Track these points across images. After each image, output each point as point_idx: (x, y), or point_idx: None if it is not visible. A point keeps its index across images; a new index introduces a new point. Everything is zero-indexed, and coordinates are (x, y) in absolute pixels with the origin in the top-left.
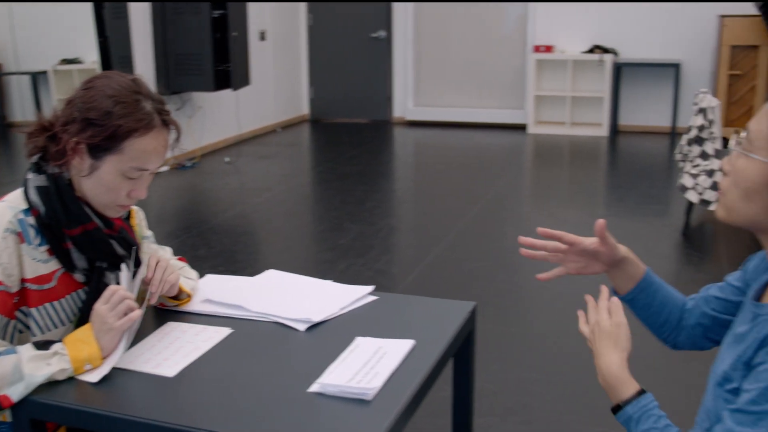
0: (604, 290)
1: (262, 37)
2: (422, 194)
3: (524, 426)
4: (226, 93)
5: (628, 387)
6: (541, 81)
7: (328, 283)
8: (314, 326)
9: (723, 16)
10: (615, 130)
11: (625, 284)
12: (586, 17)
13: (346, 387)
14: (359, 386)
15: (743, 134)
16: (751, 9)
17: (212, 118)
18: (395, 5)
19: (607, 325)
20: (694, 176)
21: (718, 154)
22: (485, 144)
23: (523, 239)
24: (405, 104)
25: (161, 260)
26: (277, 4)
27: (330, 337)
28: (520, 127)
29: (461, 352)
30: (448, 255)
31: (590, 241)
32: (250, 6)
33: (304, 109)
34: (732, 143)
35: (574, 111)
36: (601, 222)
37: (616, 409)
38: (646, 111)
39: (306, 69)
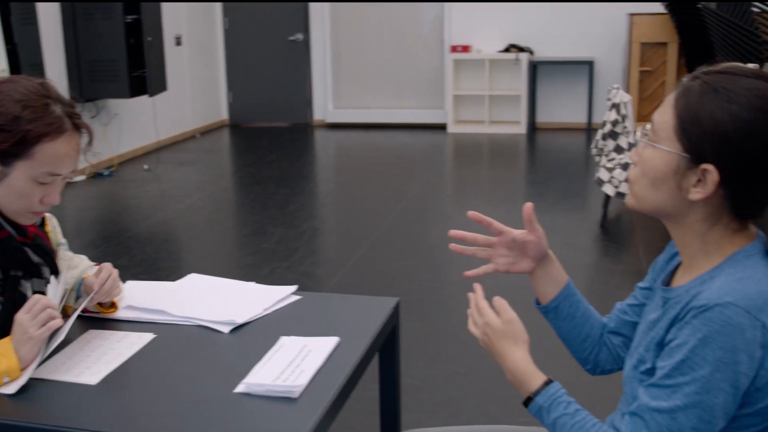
0: (478, 289)
1: (178, 42)
2: (345, 196)
3: (452, 420)
4: (143, 99)
5: (536, 379)
6: (459, 81)
7: (251, 285)
8: (238, 328)
9: (633, 15)
10: (533, 128)
11: (549, 289)
12: (501, 17)
13: (272, 386)
14: (285, 384)
15: (649, 126)
16: (659, 7)
17: (129, 125)
18: (312, 8)
19: (499, 324)
20: (610, 170)
21: (632, 148)
22: (406, 144)
23: (453, 232)
24: (325, 107)
25: (114, 270)
26: (192, 9)
27: (254, 337)
28: (440, 127)
29: (386, 348)
30: (372, 255)
31: (519, 232)
32: (165, 11)
33: (223, 114)
34: (639, 135)
35: (492, 110)
36: (529, 205)
37: (528, 402)
38: (562, 108)
39: (224, 73)
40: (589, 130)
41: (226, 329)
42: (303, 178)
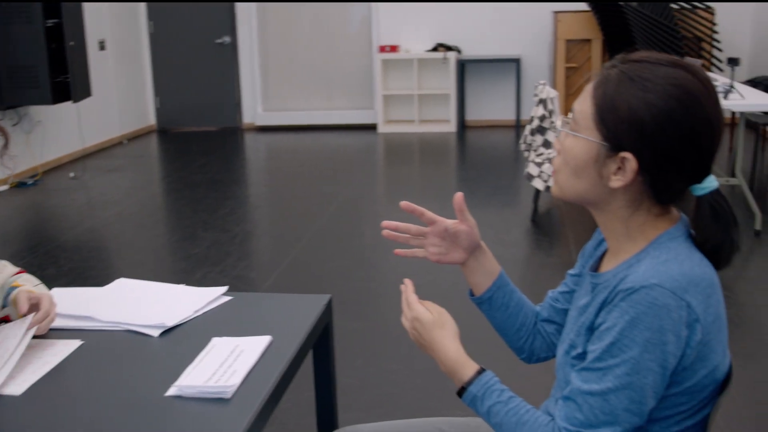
0: (409, 283)
1: (102, 46)
2: (276, 198)
3: (389, 416)
4: (67, 106)
5: (468, 368)
6: (388, 80)
7: (181, 287)
8: (168, 331)
9: (557, 12)
10: (463, 126)
11: (483, 280)
12: (428, 16)
13: (204, 387)
14: (217, 385)
15: (570, 115)
16: (583, 5)
17: (53, 132)
18: (238, 10)
19: (428, 317)
20: (539, 164)
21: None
22: (337, 145)
23: (386, 223)
24: (254, 110)
25: (53, 308)
26: (116, 13)
27: (185, 340)
28: (371, 127)
29: (320, 346)
30: (306, 257)
31: (451, 222)
32: (87, 15)
33: (151, 119)
34: (559, 124)
35: (422, 109)
36: (459, 194)
37: (461, 392)
38: (491, 105)
39: (150, 78)
40: (518, 126)
41: (155, 333)
42: (233, 181)
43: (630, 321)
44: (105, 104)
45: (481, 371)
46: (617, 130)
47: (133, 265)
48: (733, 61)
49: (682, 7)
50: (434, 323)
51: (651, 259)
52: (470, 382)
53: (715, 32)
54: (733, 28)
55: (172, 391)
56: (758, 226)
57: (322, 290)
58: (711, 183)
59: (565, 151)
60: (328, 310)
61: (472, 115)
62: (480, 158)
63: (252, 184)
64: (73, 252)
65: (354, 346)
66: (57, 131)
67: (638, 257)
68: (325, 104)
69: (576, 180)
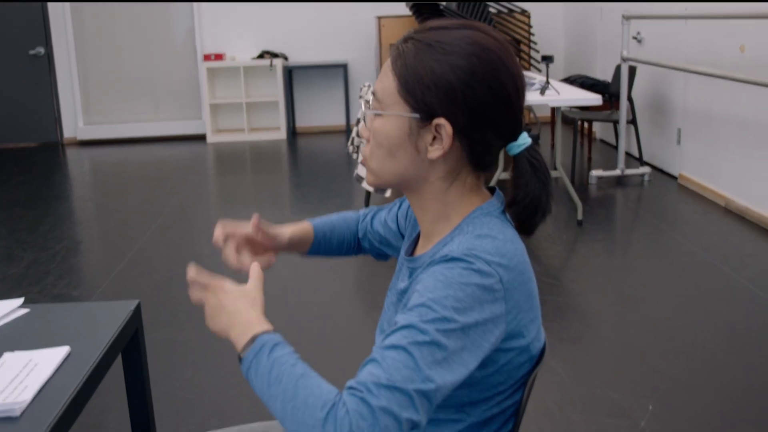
0: (192, 268)
1: None
2: (101, 213)
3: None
4: None
5: (267, 325)
6: (215, 89)
7: None
8: None
9: (380, 18)
10: (293, 133)
11: (302, 249)
12: (253, 24)
13: None
14: (4, 403)
15: (371, 98)
16: (404, 9)
17: None
18: (52, 18)
19: (235, 288)
20: None
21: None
22: (165, 157)
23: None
24: (75, 123)
25: None
26: None
27: None
28: (200, 138)
29: (130, 353)
30: (133, 270)
31: (245, 231)
32: None
33: None
34: (363, 109)
35: (251, 117)
36: (254, 217)
37: (250, 342)
38: (321, 111)
39: None
40: (348, 131)
41: None
42: (54, 198)
43: (443, 282)
44: None
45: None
46: (425, 97)
47: None
48: (547, 59)
49: (500, 11)
50: (244, 292)
51: (464, 234)
52: (266, 332)
53: (532, 34)
54: (547, 30)
55: None
56: (580, 216)
57: (149, 302)
58: (526, 139)
59: (376, 133)
60: (136, 316)
61: (303, 122)
62: (312, 163)
63: (75, 199)
64: None
65: (187, 358)
66: None
67: (452, 235)
68: (150, 115)
69: (392, 161)
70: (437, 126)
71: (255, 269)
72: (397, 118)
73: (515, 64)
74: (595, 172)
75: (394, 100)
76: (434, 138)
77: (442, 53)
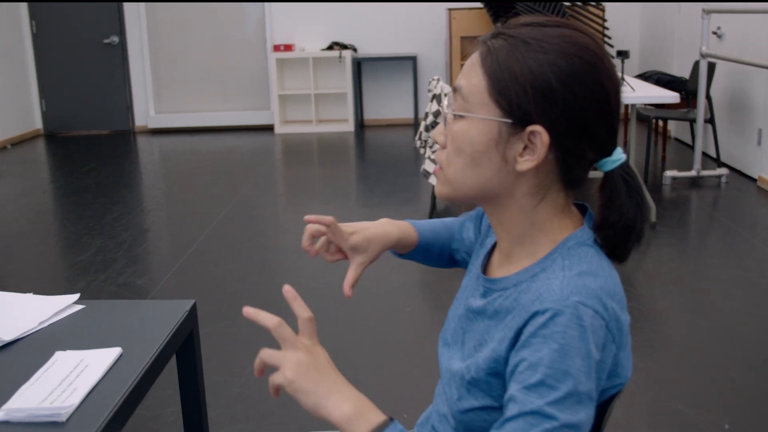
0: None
1: None
2: (169, 202)
3: (283, 426)
4: None
5: (375, 415)
6: (283, 80)
7: (28, 296)
8: (6, 346)
9: (451, 10)
10: (361, 125)
11: (402, 250)
12: (323, 15)
13: (35, 410)
14: (51, 407)
15: (452, 96)
16: (476, 2)
17: None
18: (126, 9)
19: (304, 358)
20: (434, 161)
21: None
22: (232, 147)
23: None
24: (146, 112)
25: None
26: None
27: (25, 355)
28: (268, 128)
29: (184, 354)
30: (198, 260)
31: (346, 247)
32: None
33: (37, 123)
34: (445, 108)
35: (318, 108)
36: (305, 217)
37: None
38: (389, 104)
39: (34, 80)
40: (416, 124)
41: None
42: (123, 186)
43: (558, 351)
44: None
45: (391, 420)
46: (520, 100)
47: (9, 275)
48: (623, 54)
49: (574, 4)
50: (310, 366)
51: (561, 270)
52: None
53: (606, 28)
54: (622, 24)
55: None
56: (653, 218)
57: (211, 295)
58: (621, 154)
59: (456, 138)
60: (191, 316)
61: (370, 114)
62: (379, 157)
63: (143, 187)
64: None
65: (245, 353)
66: None
67: (542, 264)
68: (220, 105)
69: (475, 170)
70: (531, 134)
71: (306, 323)
72: (483, 121)
73: (613, 67)
74: (670, 173)
75: (482, 101)
76: (525, 147)
77: (541, 51)
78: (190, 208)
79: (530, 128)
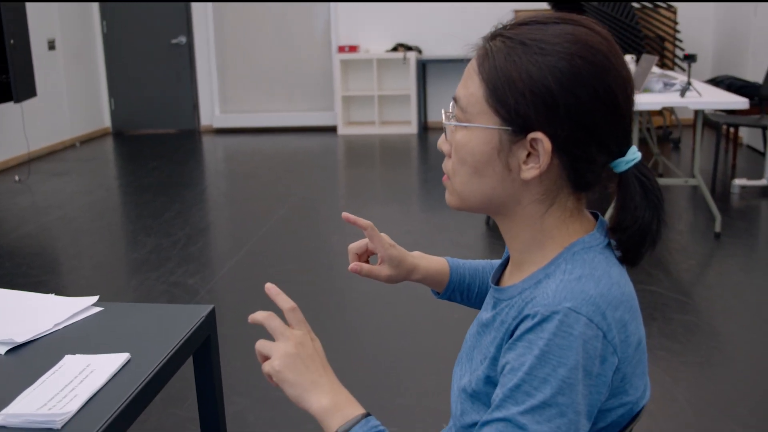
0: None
1: (51, 46)
2: (227, 201)
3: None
4: (9, 107)
5: (353, 408)
6: (348, 81)
7: (48, 297)
8: (18, 348)
9: (517, 12)
10: (424, 128)
11: (437, 285)
12: (388, 17)
13: (32, 416)
14: (47, 414)
15: (452, 105)
16: (543, 4)
17: None
18: (194, 9)
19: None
20: None
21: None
22: (296, 147)
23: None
24: (212, 112)
25: None
26: (66, 13)
27: (35, 358)
28: (331, 129)
29: (201, 358)
30: (250, 260)
31: (381, 252)
32: (34, 13)
33: (106, 121)
34: (444, 120)
35: (382, 110)
36: (343, 215)
37: None
38: None
39: (104, 79)
40: None
41: (2, 350)
42: (184, 185)
43: (539, 357)
44: (54, 105)
45: (367, 414)
46: (518, 106)
47: (65, 272)
48: (690, 58)
49: (644, 6)
50: (295, 356)
51: (562, 274)
52: (356, 422)
53: (677, 31)
54: (695, 27)
55: None
56: (718, 228)
57: (262, 296)
58: (635, 154)
59: (458, 148)
60: (207, 322)
61: (434, 117)
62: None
63: (204, 186)
64: (6, 258)
65: None
66: (0, 133)
67: (546, 271)
68: (284, 106)
69: (480, 180)
70: (533, 141)
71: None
72: (483, 130)
73: (624, 65)
74: (739, 181)
75: (481, 110)
76: (529, 155)
77: (539, 53)
78: (249, 208)
79: (531, 135)
